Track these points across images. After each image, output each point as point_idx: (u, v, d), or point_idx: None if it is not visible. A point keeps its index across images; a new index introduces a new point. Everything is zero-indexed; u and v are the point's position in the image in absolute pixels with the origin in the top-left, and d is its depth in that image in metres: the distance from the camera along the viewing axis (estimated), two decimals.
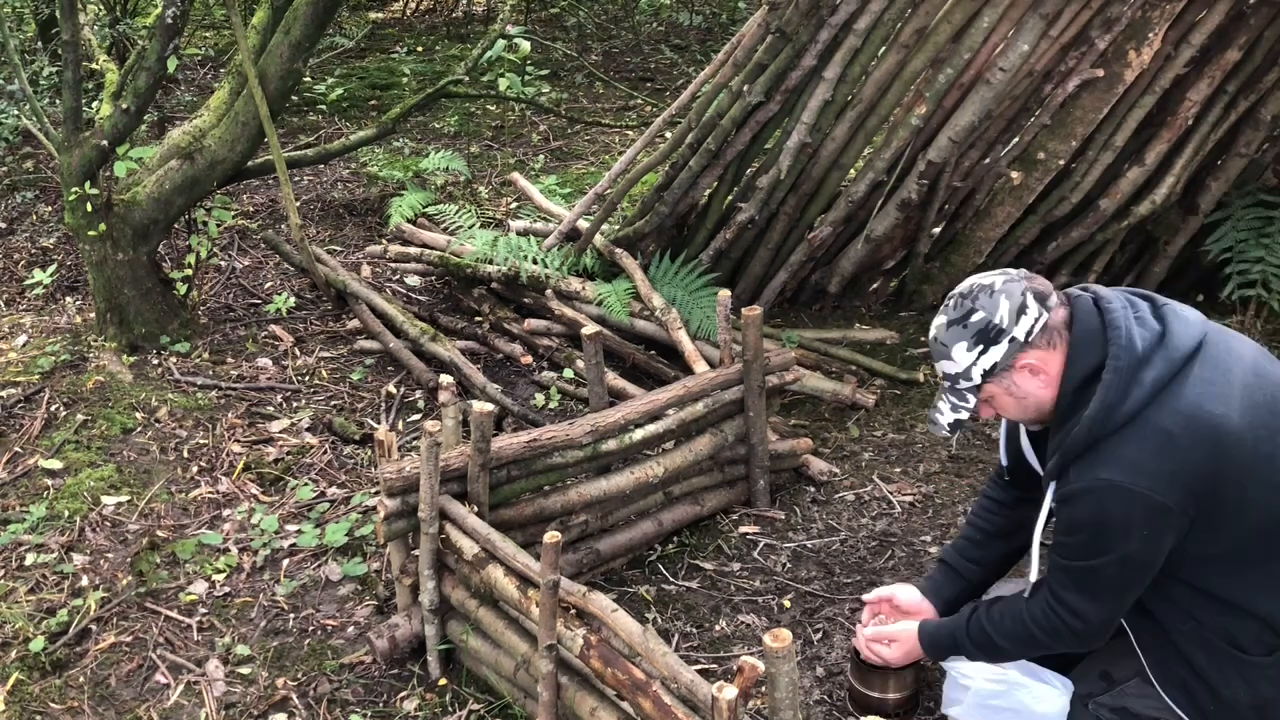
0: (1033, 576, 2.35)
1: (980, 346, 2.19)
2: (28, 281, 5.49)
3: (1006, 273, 2.23)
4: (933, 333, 2.29)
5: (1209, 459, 2.06)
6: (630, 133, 7.46)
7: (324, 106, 7.96)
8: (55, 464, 3.99)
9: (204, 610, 3.41)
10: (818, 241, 4.71)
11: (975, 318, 2.19)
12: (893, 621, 2.70)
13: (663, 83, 8.43)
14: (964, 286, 2.26)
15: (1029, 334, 2.16)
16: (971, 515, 2.70)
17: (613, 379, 4.22)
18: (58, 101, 5.96)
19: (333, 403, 4.53)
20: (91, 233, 4.60)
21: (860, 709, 2.89)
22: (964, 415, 2.29)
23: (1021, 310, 2.16)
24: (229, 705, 3.06)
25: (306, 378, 4.69)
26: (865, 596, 2.80)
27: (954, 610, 2.59)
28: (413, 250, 5.37)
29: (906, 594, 2.70)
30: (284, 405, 4.49)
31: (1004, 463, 2.58)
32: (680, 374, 4.19)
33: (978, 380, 2.22)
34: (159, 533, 3.69)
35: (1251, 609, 2.19)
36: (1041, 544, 2.33)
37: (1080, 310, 2.20)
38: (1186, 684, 2.26)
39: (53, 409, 4.30)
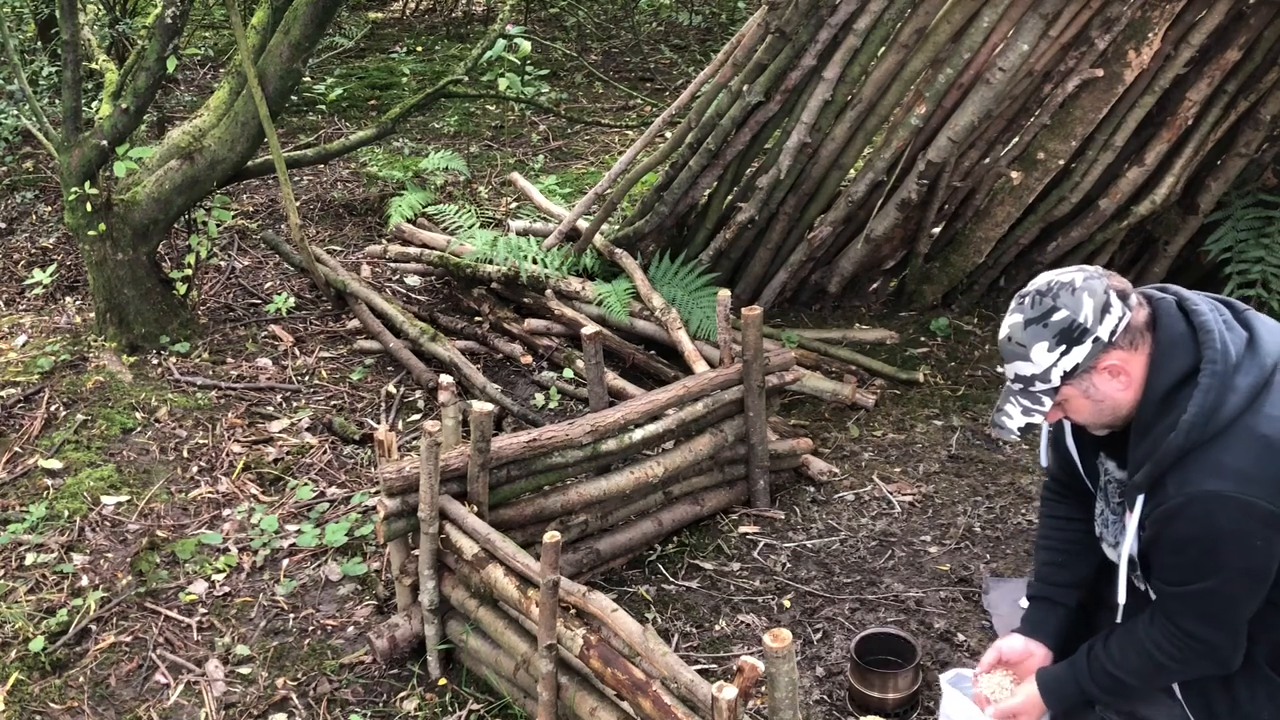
0: (1121, 599, 2.21)
1: (1062, 347, 2.06)
2: (28, 281, 5.49)
3: (1085, 269, 2.12)
4: (1005, 332, 2.14)
5: None
6: (630, 133, 7.45)
7: (324, 106, 7.96)
8: (55, 464, 3.99)
9: (204, 610, 3.41)
10: (817, 241, 4.71)
11: (1057, 316, 2.06)
12: (1004, 675, 2.47)
13: (663, 83, 8.43)
14: (1040, 283, 2.12)
15: (1113, 334, 2.05)
16: (1041, 539, 2.51)
17: (613, 379, 4.21)
18: (57, 101, 5.95)
19: (333, 403, 4.52)
20: (91, 233, 4.60)
21: (860, 709, 2.89)
22: (1037, 419, 2.15)
23: (1105, 309, 2.05)
24: (229, 705, 3.06)
25: (306, 378, 4.69)
26: (978, 673, 2.52)
27: (1067, 642, 2.41)
28: (412, 250, 5.37)
29: (1009, 643, 2.47)
30: (284, 405, 4.49)
31: (1046, 463, 2.46)
32: (680, 374, 4.18)
33: (1056, 383, 2.09)
34: (159, 533, 3.69)
35: None
36: (1132, 559, 2.18)
37: (1164, 312, 2.10)
38: (1209, 696, 2.20)
39: (53, 409, 4.30)
